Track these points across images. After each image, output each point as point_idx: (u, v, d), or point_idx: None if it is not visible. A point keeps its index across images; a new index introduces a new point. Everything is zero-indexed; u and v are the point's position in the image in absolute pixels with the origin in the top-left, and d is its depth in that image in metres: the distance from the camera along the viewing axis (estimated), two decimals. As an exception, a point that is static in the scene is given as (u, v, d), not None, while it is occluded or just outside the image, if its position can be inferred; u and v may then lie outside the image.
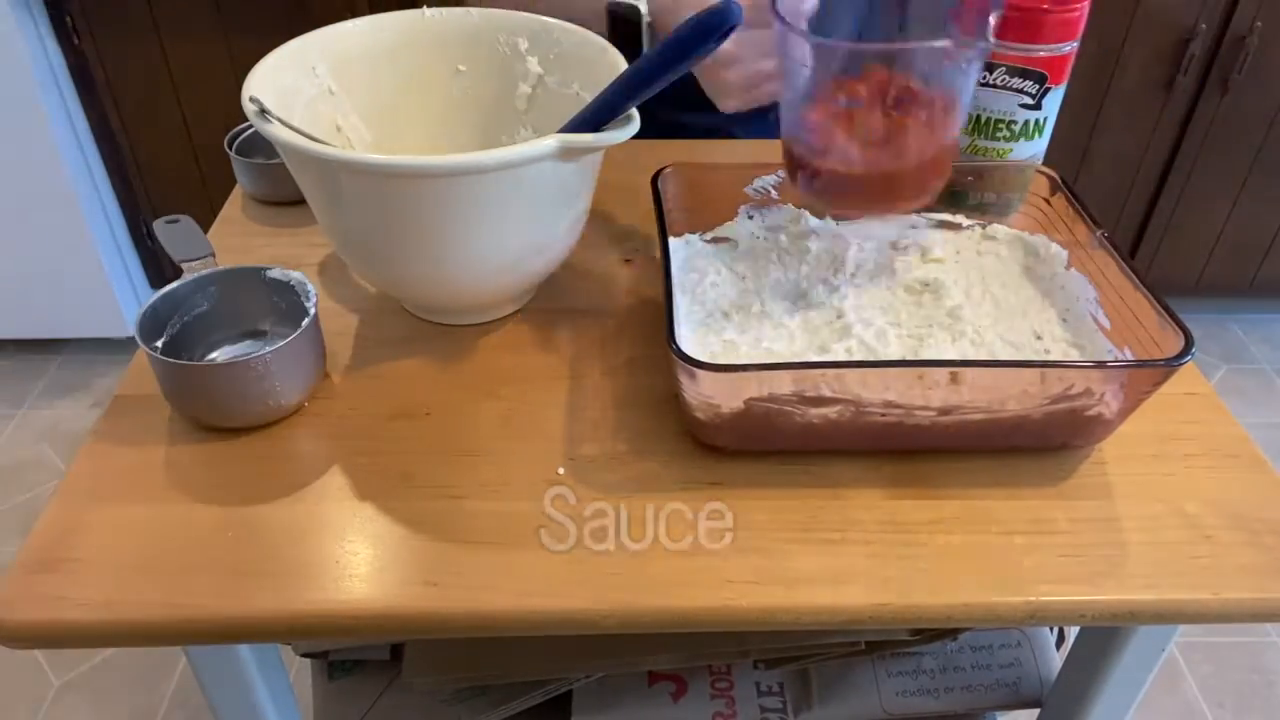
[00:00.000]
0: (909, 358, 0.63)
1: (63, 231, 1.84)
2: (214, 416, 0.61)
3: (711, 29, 0.53)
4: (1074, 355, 0.63)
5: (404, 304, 0.73)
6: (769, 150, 0.92)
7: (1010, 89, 0.74)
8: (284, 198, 0.84)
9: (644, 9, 0.78)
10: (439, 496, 0.58)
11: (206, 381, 0.59)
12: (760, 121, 0.95)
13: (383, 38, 0.75)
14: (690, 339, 0.64)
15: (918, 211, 0.74)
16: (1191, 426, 0.63)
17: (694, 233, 0.74)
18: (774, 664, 0.82)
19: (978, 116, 0.76)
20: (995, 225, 0.73)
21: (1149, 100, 1.83)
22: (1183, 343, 0.55)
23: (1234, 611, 0.53)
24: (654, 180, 0.70)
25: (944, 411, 0.57)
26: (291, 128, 0.60)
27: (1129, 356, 0.60)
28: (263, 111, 0.60)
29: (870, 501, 0.58)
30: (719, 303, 0.68)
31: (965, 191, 0.75)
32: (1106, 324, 0.63)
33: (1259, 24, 1.72)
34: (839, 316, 0.66)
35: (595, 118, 0.60)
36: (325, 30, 0.72)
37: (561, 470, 0.59)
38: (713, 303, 0.68)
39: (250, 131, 0.87)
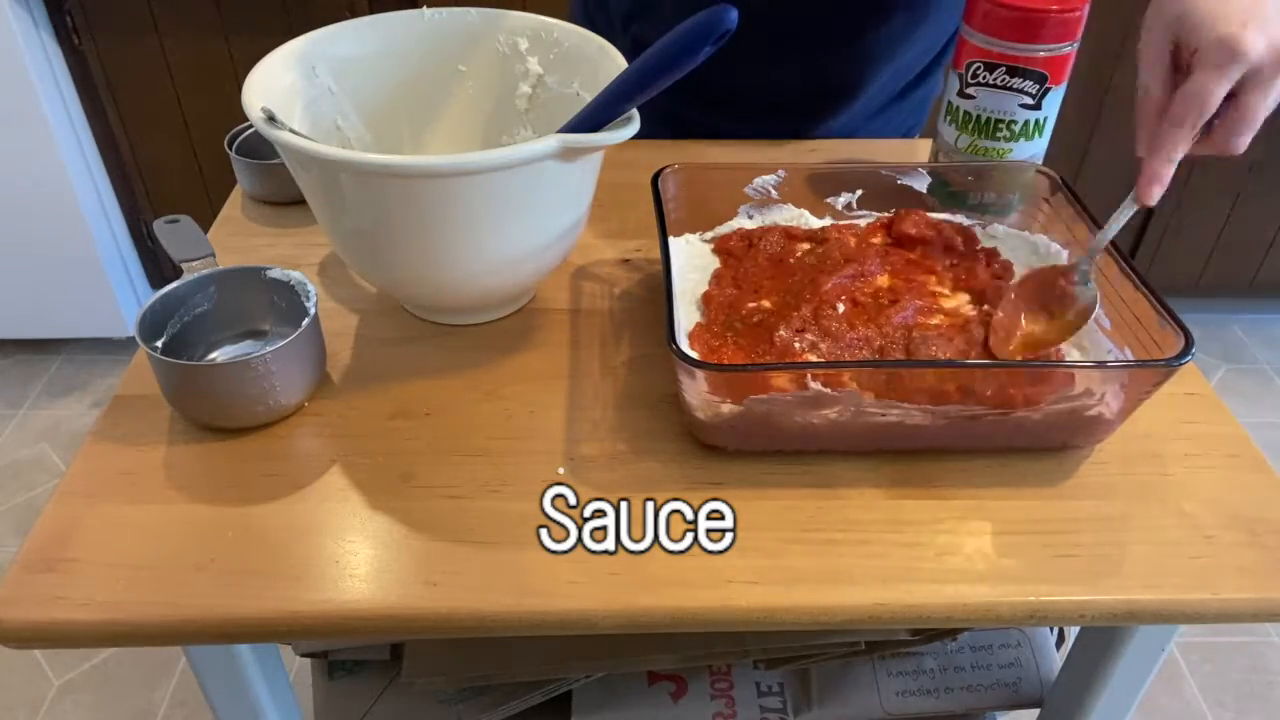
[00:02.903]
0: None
1: (63, 232, 1.84)
2: (214, 416, 0.61)
3: (708, 33, 0.53)
4: (1074, 355, 0.63)
5: (404, 304, 0.73)
6: (769, 150, 0.92)
7: (1010, 89, 0.74)
8: (284, 198, 0.84)
9: None
10: (439, 496, 0.58)
11: (206, 381, 0.59)
12: (806, 129, 0.95)
13: (383, 38, 0.75)
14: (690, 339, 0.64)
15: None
16: (1191, 426, 0.63)
17: (694, 233, 0.74)
18: (774, 664, 0.82)
19: (978, 116, 0.76)
20: (995, 225, 0.73)
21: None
22: (1183, 343, 0.55)
23: (1234, 611, 0.53)
24: (654, 180, 0.70)
25: (944, 412, 0.57)
26: (294, 131, 0.60)
27: (1129, 356, 0.60)
28: (271, 119, 0.60)
29: (870, 501, 0.58)
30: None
31: (965, 191, 0.75)
32: (1106, 324, 0.63)
33: None
34: (839, 316, 0.66)
35: (595, 118, 0.60)
36: (325, 30, 0.72)
37: (561, 470, 0.59)
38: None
39: (250, 131, 0.87)
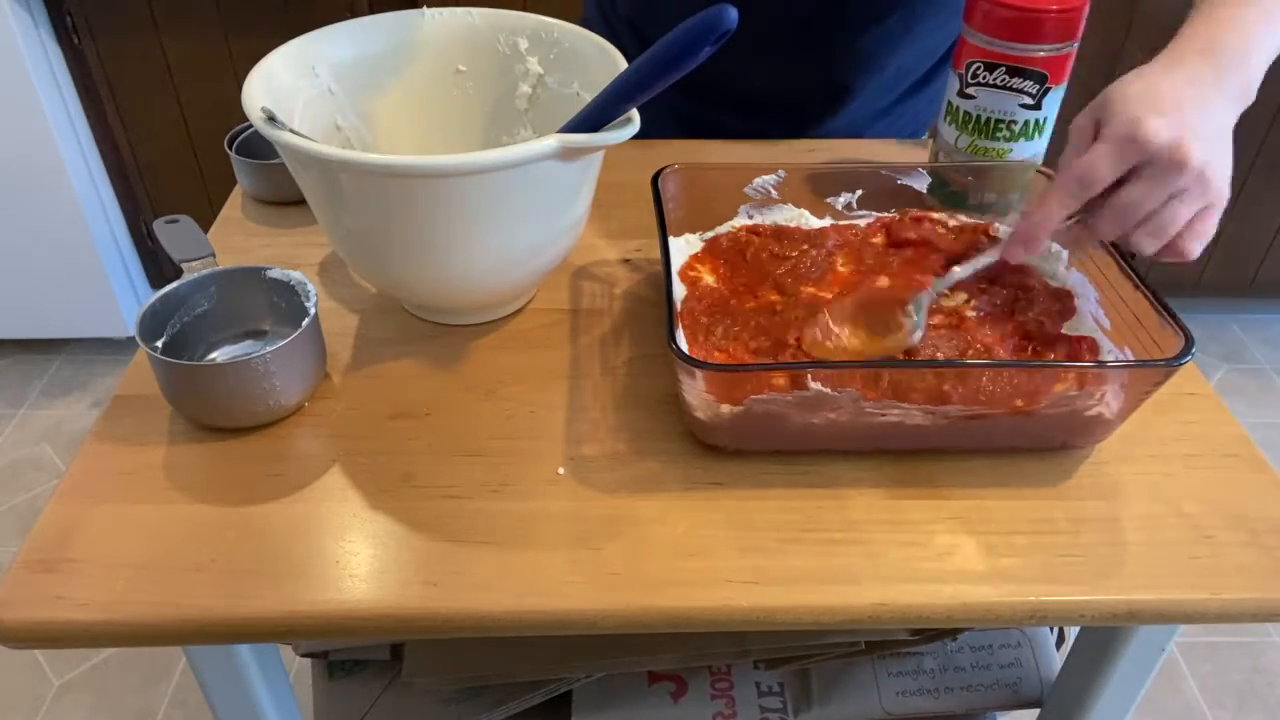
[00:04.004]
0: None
1: (63, 231, 1.84)
2: (214, 416, 0.61)
3: (707, 33, 0.53)
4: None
5: (404, 304, 0.73)
6: (769, 150, 0.92)
7: (1010, 89, 0.74)
8: (284, 198, 0.84)
9: None
10: (439, 496, 0.58)
11: (206, 381, 0.59)
12: (810, 130, 0.95)
13: (383, 37, 0.75)
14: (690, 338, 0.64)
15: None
16: (1191, 426, 0.63)
17: (694, 233, 0.74)
18: (774, 664, 0.82)
19: (978, 116, 0.76)
20: (995, 225, 0.73)
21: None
22: (1183, 343, 0.55)
23: (1234, 611, 0.53)
24: (654, 180, 0.70)
25: (944, 412, 0.57)
26: (294, 131, 0.60)
27: (1129, 356, 0.60)
28: (271, 119, 0.60)
29: (870, 501, 0.58)
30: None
31: (965, 191, 0.75)
32: (1107, 324, 0.63)
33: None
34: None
35: (595, 118, 0.60)
36: (325, 30, 0.72)
37: (561, 470, 0.59)
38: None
39: (250, 131, 0.87)
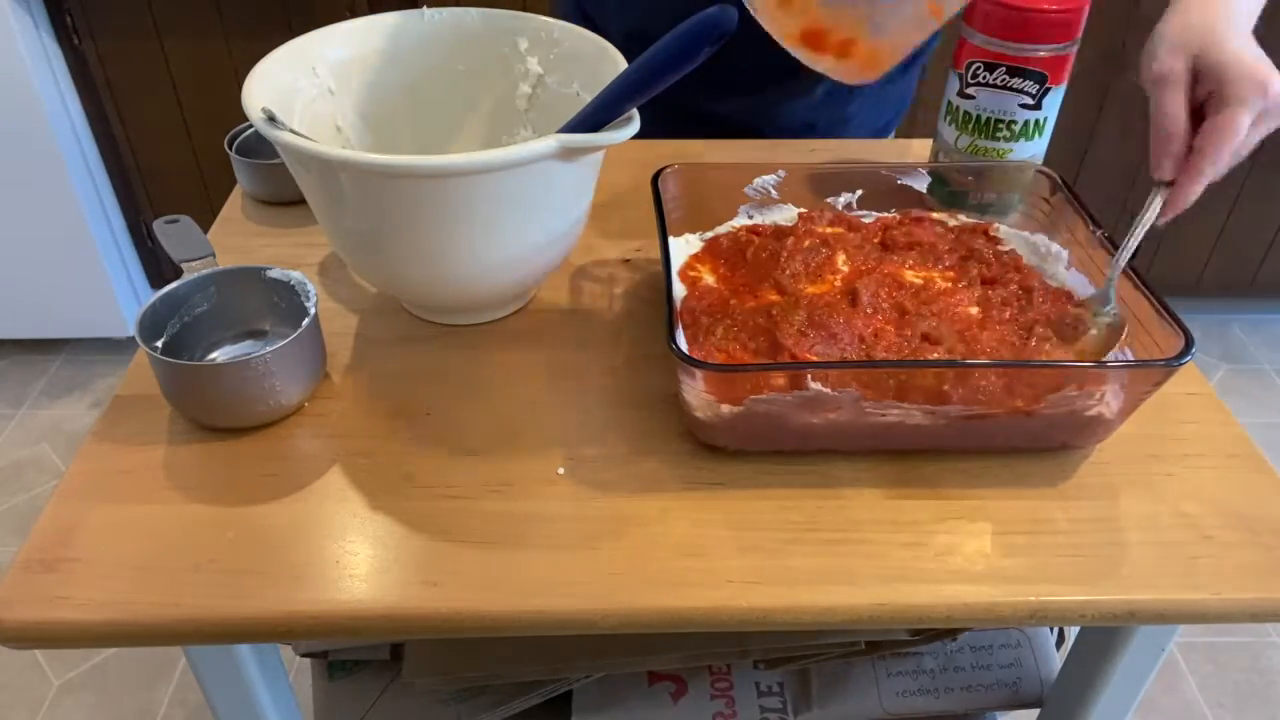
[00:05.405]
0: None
1: (63, 231, 1.84)
2: (214, 416, 0.61)
3: (706, 34, 0.53)
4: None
5: (404, 304, 0.73)
6: (769, 150, 0.92)
7: (1010, 89, 0.74)
8: (284, 198, 0.84)
9: None
10: (439, 496, 0.58)
11: (206, 381, 0.59)
12: (789, 110, 0.94)
13: (383, 38, 0.75)
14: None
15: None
16: (1191, 426, 0.63)
17: (694, 233, 0.74)
18: (774, 664, 0.82)
19: (978, 116, 0.76)
20: (995, 225, 0.73)
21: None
22: (1183, 343, 0.55)
23: (1234, 611, 0.53)
24: (654, 180, 0.70)
25: (944, 412, 0.57)
26: (294, 131, 0.60)
27: (1129, 356, 0.60)
28: (271, 119, 0.60)
29: (870, 501, 0.58)
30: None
31: (965, 191, 0.75)
32: (1106, 324, 0.63)
33: (1258, 24, 1.71)
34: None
35: (595, 118, 0.60)
36: (325, 30, 0.72)
37: (561, 470, 0.59)
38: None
39: (250, 131, 0.87)
